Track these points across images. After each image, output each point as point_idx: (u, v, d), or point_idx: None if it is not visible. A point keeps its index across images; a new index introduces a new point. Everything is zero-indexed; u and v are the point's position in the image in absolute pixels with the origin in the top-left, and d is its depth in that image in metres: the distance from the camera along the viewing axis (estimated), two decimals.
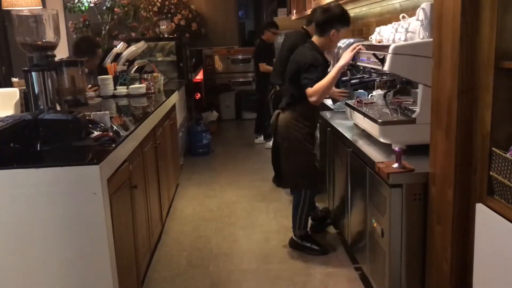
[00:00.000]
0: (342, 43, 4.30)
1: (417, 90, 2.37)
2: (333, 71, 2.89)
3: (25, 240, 2.01)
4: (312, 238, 3.30)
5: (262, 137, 6.47)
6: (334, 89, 3.19)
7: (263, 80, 5.72)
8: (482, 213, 1.70)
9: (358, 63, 2.89)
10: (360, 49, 2.81)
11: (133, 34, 7.47)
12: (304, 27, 4.39)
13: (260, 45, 6.25)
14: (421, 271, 2.23)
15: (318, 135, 3.88)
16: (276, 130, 3.28)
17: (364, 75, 2.97)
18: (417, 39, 2.39)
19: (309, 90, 2.91)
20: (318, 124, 3.35)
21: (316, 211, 3.62)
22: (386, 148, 2.49)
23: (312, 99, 2.92)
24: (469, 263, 1.84)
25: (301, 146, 3.12)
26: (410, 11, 3.17)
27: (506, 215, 1.57)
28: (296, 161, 3.17)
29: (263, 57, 6.07)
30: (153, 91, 4.49)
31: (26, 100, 2.55)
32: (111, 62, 4.75)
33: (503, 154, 1.60)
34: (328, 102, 3.93)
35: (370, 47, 2.71)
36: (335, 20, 3.03)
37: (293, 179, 3.28)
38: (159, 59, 6.46)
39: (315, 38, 3.13)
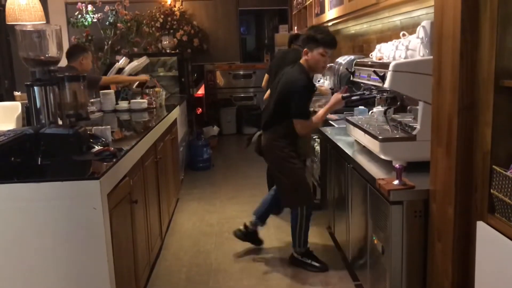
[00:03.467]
0: (342, 59, 4.33)
1: (417, 107, 2.38)
2: (322, 112, 3.11)
3: (25, 254, 2.00)
4: (312, 254, 3.29)
5: None
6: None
7: None
8: (483, 231, 1.70)
9: (359, 80, 2.91)
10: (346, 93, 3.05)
11: (135, 49, 7.52)
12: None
13: None
14: None
15: (318, 149, 3.88)
16: (260, 150, 3.35)
17: (364, 91, 2.98)
18: (418, 57, 2.40)
19: (300, 122, 3.06)
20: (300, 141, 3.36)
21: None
22: (386, 165, 2.49)
23: (299, 130, 3.09)
24: (470, 280, 1.83)
25: (286, 163, 3.18)
26: (411, 29, 3.19)
27: (507, 233, 1.57)
28: (286, 179, 3.21)
29: None
30: (154, 105, 4.52)
31: (28, 114, 2.55)
32: None
33: (504, 172, 1.60)
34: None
35: (371, 64, 2.73)
36: (307, 39, 3.13)
37: (287, 197, 3.28)
38: (161, 74, 6.51)
39: (302, 60, 3.18)
